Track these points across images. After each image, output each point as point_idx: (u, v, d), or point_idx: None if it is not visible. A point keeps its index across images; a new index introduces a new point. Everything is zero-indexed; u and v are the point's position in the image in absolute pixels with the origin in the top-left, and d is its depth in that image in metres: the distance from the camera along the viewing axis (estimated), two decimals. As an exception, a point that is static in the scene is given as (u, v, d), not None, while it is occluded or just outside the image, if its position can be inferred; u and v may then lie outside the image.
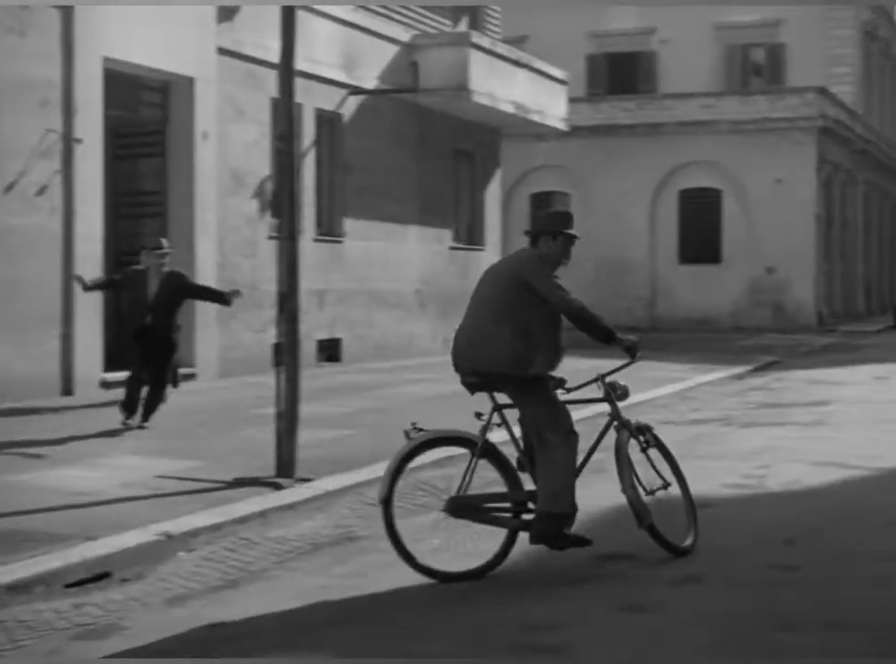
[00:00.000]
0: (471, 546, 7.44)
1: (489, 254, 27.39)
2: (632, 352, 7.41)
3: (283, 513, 9.03)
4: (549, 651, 5.80)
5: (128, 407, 12.64)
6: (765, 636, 5.94)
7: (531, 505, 7.35)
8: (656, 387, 18.16)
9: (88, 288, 13.37)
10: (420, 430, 7.29)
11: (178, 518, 8.39)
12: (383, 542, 8.21)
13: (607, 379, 7.70)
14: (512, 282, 7.26)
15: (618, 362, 7.79)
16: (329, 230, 21.62)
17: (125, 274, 13.23)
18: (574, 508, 7.30)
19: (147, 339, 12.64)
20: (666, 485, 7.75)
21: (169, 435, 12.16)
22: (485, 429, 7.39)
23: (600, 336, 7.29)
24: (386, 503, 7.16)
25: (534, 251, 7.55)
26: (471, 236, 26.98)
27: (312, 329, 19.86)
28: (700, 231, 37.21)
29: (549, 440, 7.23)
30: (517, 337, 7.13)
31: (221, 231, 18.46)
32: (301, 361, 10.62)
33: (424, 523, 7.47)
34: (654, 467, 7.78)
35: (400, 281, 23.60)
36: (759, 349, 27.21)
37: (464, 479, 7.30)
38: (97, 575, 7.22)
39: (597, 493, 9.78)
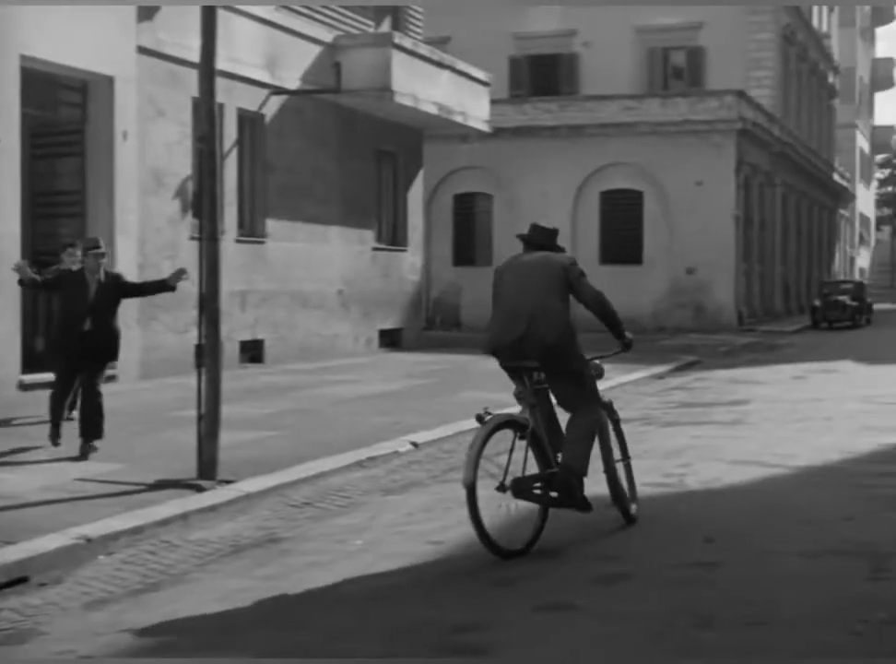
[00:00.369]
0: (519, 523, 7.85)
1: (412, 255, 27.45)
2: (628, 347, 8.51)
3: (204, 515, 8.98)
4: (474, 652, 5.82)
5: (57, 425, 11.55)
6: (686, 634, 6.00)
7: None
8: (578, 387, 18.25)
9: (26, 282, 11.88)
10: (490, 414, 7.72)
11: (98, 521, 8.31)
12: (304, 544, 8.21)
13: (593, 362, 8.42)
14: (560, 276, 8.02)
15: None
16: (251, 230, 21.52)
17: (61, 275, 12.03)
18: (586, 471, 7.98)
19: (85, 348, 11.40)
20: (625, 459, 8.68)
21: (88, 438, 12.01)
22: (532, 412, 7.92)
23: (616, 331, 8.34)
24: (471, 487, 7.44)
25: (567, 255, 8.39)
26: (394, 237, 26.99)
27: (234, 330, 19.76)
28: (621, 232, 37.49)
29: (584, 410, 8.05)
30: (568, 321, 8.03)
31: (142, 231, 18.31)
32: (224, 363, 10.57)
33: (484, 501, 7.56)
34: (619, 442, 8.63)
35: (323, 282, 23.53)
36: (679, 349, 27.47)
37: (510, 460, 7.65)
38: (14, 580, 7.14)
39: (520, 493, 9.82)
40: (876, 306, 46.67)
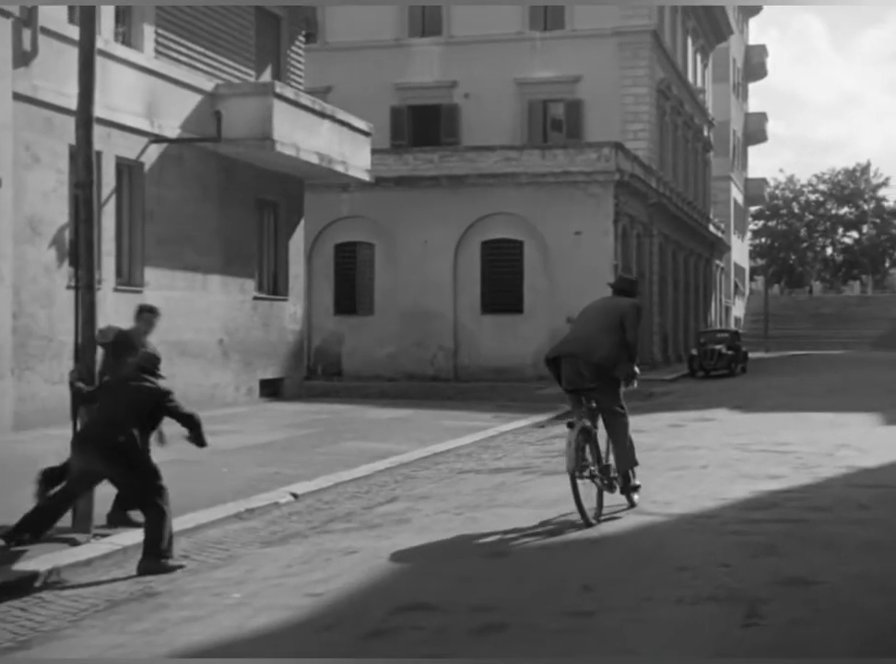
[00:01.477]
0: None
1: (293, 304, 27.37)
2: (629, 380, 11.34)
3: (78, 569, 8.81)
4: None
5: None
6: (562, 682, 6.03)
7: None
8: (459, 437, 18.33)
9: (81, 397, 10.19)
10: (575, 422, 10.56)
11: (-33, 578, 8.12)
12: (181, 597, 8.10)
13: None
14: (617, 316, 11.08)
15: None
16: (130, 280, 21.27)
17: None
18: (637, 462, 11.41)
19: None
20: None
21: (-41, 491, 11.74)
22: (593, 419, 10.92)
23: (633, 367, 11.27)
24: (573, 474, 10.29)
25: (634, 300, 11.42)
26: (275, 286, 26.89)
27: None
28: (502, 281, 37.79)
29: (616, 413, 11.17)
30: (615, 350, 11.00)
31: (17, 280, 17.99)
32: (99, 414, 10.39)
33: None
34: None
35: (203, 331, 23.33)
36: (560, 398, 27.52)
37: (584, 455, 10.64)
38: None
39: (398, 543, 9.84)
40: (751, 355, 47.62)
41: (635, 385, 11.50)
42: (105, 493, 10.49)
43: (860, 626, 7.14)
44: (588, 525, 10.29)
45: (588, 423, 10.74)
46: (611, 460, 11.18)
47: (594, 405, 11.04)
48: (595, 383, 10.89)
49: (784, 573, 8.50)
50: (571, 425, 10.59)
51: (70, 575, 8.65)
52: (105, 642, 6.96)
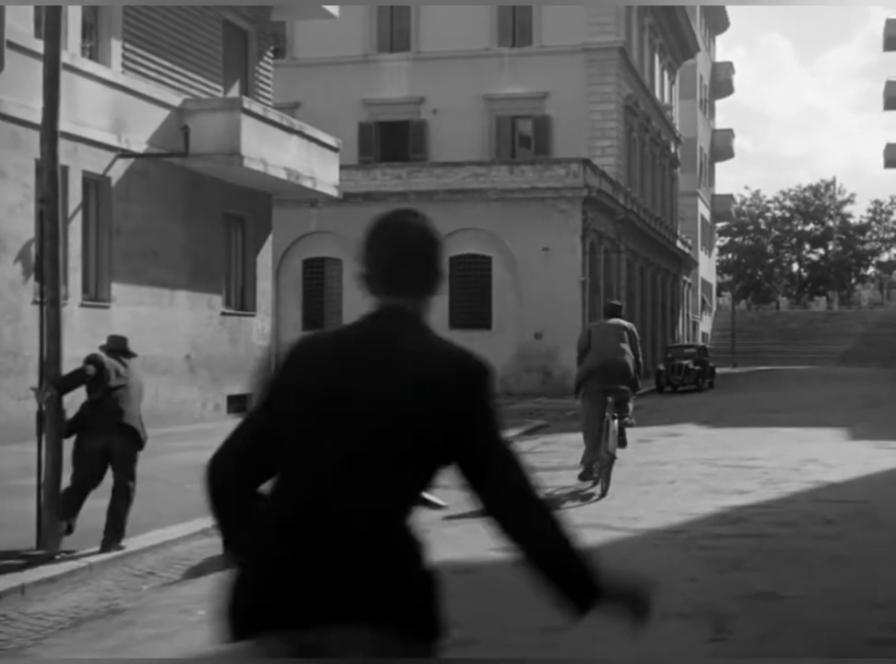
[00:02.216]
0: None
1: (261, 320, 27.30)
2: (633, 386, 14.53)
3: (44, 587, 8.74)
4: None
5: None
6: (530, 698, 6.01)
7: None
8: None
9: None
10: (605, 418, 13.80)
11: (-70, 595, 8.04)
12: (147, 615, 8.04)
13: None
14: (625, 334, 14.13)
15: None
16: (96, 295, 21.17)
17: None
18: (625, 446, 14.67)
19: None
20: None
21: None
22: (611, 416, 13.80)
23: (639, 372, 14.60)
24: (611, 455, 13.71)
25: (630, 323, 14.86)
26: (242, 301, 26.81)
27: (77, 396, 19.32)
28: (470, 296, 37.81)
29: (627, 413, 14.17)
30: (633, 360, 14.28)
31: (-18, 295, 17.88)
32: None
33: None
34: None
35: (170, 347, 23.23)
36: (527, 414, 27.69)
37: (604, 437, 13.75)
38: None
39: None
40: (718, 370, 47.77)
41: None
42: (93, 507, 10.42)
43: (827, 640, 7.16)
44: (603, 495, 13.41)
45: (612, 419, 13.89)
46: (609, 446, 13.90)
47: (611, 400, 13.74)
48: (622, 384, 13.94)
49: (752, 587, 8.53)
50: (605, 417, 13.66)
51: (35, 592, 8.58)
52: (70, 660, 6.90)
